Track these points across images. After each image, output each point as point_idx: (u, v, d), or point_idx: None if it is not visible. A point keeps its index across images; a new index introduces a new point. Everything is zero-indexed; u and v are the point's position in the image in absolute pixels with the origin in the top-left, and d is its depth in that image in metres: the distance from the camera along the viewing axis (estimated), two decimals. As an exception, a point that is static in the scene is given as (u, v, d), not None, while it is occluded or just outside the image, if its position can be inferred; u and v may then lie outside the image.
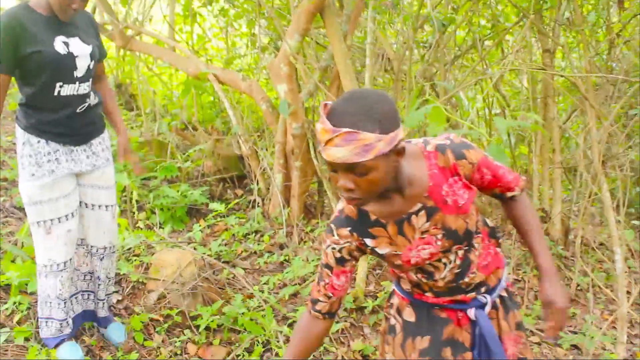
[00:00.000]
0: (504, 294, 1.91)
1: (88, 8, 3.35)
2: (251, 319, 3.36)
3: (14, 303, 3.13)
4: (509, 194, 1.86)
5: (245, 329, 3.36)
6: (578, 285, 4.55)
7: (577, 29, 4.44)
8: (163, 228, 4.44)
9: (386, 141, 1.48)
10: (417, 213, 1.68)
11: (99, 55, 2.82)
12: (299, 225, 4.77)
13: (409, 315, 1.88)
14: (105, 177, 2.92)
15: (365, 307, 3.76)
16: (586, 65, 4.41)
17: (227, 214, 4.78)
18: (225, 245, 4.42)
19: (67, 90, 2.67)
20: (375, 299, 3.80)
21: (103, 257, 3.00)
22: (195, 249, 4.11)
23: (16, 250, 3.43)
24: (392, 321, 1.91)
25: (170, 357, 3.11)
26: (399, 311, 1.90)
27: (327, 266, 1.79)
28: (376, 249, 1.72)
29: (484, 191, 1.84)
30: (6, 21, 2.52)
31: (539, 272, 1.85)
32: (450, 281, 1.77)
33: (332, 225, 1.74)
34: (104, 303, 3.08)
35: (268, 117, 4.99)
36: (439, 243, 1.70)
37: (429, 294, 1.82)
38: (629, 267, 5.04)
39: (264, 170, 5.11)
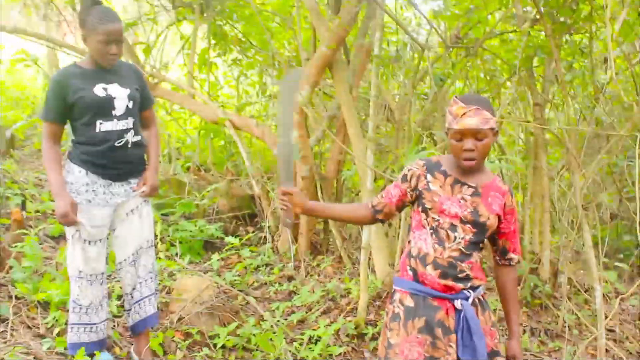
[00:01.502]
0: (482, 298, 2.47)
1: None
2: (263, 338, 3.73)
3: (54, 318, 3.52)
4: (509, 255, 2.52)
5: (257, 348, 3.73)
6: (565, 322, 4.89)
7: (560, 86, 4.88)
8: (182, 259, 4.83)
9: (494, 121, 2.30)
10: (469, 186, 2.39)
11: (140, 99, 3.31)
12: (306, 260, 5.17)
13: (409, 302, 2.41)
14: (137, 199, 3.36)
15: (365, 334, 4.12)
16: (569, 118, 4.85)
17: (240, 248, 5.17)
18: (239, 276, 4.80)
19: (107, 126, 3.15)
20: (375, 327, 4.16)
21: (140, 255, 3.37)
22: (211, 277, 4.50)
23: (54, 272, 3.83)
24: (396, 310, 2.43)
25: (191, 370, 3.48)
26: (401, 301, 2.43)
27: (393, 182, 2.53)
28: (429, 184, 2.40)
29: (497, 237, 2.49)
30: (55, 79, 3.11)
31: (509, 333, 2.52)
32: (451, 257, 2.34)
33: (416, 160, 2.50)
34: (149, 299, 3.41)
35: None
36: (465, 213, 2.34)
37: (429, 269, 2.36)
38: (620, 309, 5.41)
39: (274, 209, 5.52)
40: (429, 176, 2.41)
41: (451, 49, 5.72)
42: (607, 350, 4.58)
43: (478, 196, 2.38)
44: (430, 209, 2.38)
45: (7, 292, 3.71)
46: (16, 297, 3.69)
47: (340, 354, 3.88)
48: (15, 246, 4.03)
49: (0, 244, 4.06)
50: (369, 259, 4.63)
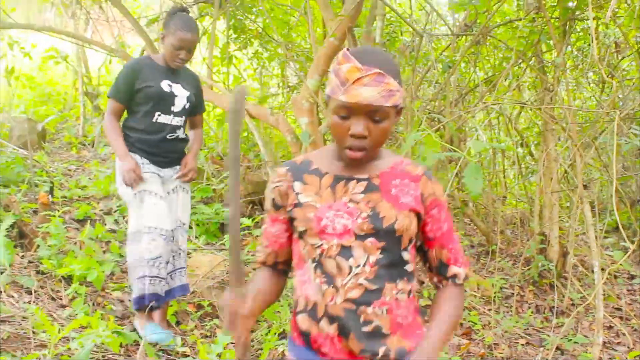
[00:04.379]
0: None
1: (136, 50, 4.17)
2: (269, 310, 3.97)
3: (75, 290, 3.82)
4: (452, 271, 1.67)
5: (264, 319, 3.98)
6: (571, 300, 5.04)
7: (557, 70, 5.02)
8: (198, 239, 5.11)
9: (401, 94, 1.54)
10: (359, 180, 1.61)
11: (195, 104, 3.70)
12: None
13: None
14: (178, 181, 3.70)
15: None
16: (569, 101, 4.99)
17: (254, 229, 5.43)
18: (252, 255, 5.05)
19: (163, 119, 3.56)
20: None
21: (177, 231, 3.65)
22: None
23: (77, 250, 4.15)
24: None
25: (202, 338, 3.75)
26: None
27: (266, 211, 1.73)
28: (299, 196, 1.61)
29: (426, 247, 1.68)
30: (129, 64, 3.57)
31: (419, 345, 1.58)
32: (350, 301, 1.54)
33: (277, 168, 1.71)
34: (181, 271, 3.68)
35: (292, 147, 5.66)
36: (360, 221, 1.56)
37: (324, 324, 1.57)
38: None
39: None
40: (296, 185, 1.64)
41: (458, 37, 5.91)
42: (610, 327, 4.73)
43: (375, 191, 1.60)
44: (304, 231, 1.60)
45: (34, 268, 4.03)
46: (42, 273, 4.01)
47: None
48: (42, 227, 4.34)
49: (29, 225, 4.39)
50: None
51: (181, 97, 3.57)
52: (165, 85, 3.51)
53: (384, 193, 1.59)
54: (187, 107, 3.62)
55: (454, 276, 1.67)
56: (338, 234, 1.56)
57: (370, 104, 1.49)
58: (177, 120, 3.60)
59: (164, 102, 3.52)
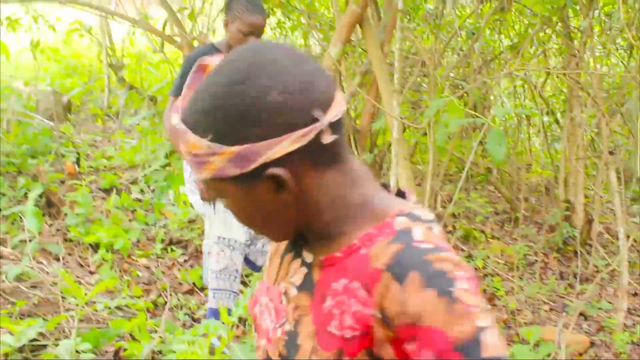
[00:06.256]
0: None
1: (159, 22, 4.00)
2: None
3: (101, 257, 3.90)
4: None
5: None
6: (596, 267, 5.02)
7: (587, 33, 4.94)
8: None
9: (226, 157, 0.84)
10: (303, 264, 0.96)
11: None
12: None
13: None
14: None
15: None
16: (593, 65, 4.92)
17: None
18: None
19: None
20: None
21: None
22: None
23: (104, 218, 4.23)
24: None
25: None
26: None
27: None
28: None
29: None
30: (191, 57, 3.09)
31: None
32: None
33: None
34: None
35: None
36: (279, 334, 0.94)
37: None
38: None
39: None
40: None
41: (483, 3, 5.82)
42: (635, 294, 4.71)
43: (307, 291, 0.93)
44: None
45: (62, 236, 4.12)
46: (70, 240, 4.10)
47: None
48: (69, 196, 4.43)
49: (56, 194, 4.47)
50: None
51: None
52: None
53: (315, 302, 0.91)
54: None
55: None
56: (266, 335, 0.98)
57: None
58: None
59: None
